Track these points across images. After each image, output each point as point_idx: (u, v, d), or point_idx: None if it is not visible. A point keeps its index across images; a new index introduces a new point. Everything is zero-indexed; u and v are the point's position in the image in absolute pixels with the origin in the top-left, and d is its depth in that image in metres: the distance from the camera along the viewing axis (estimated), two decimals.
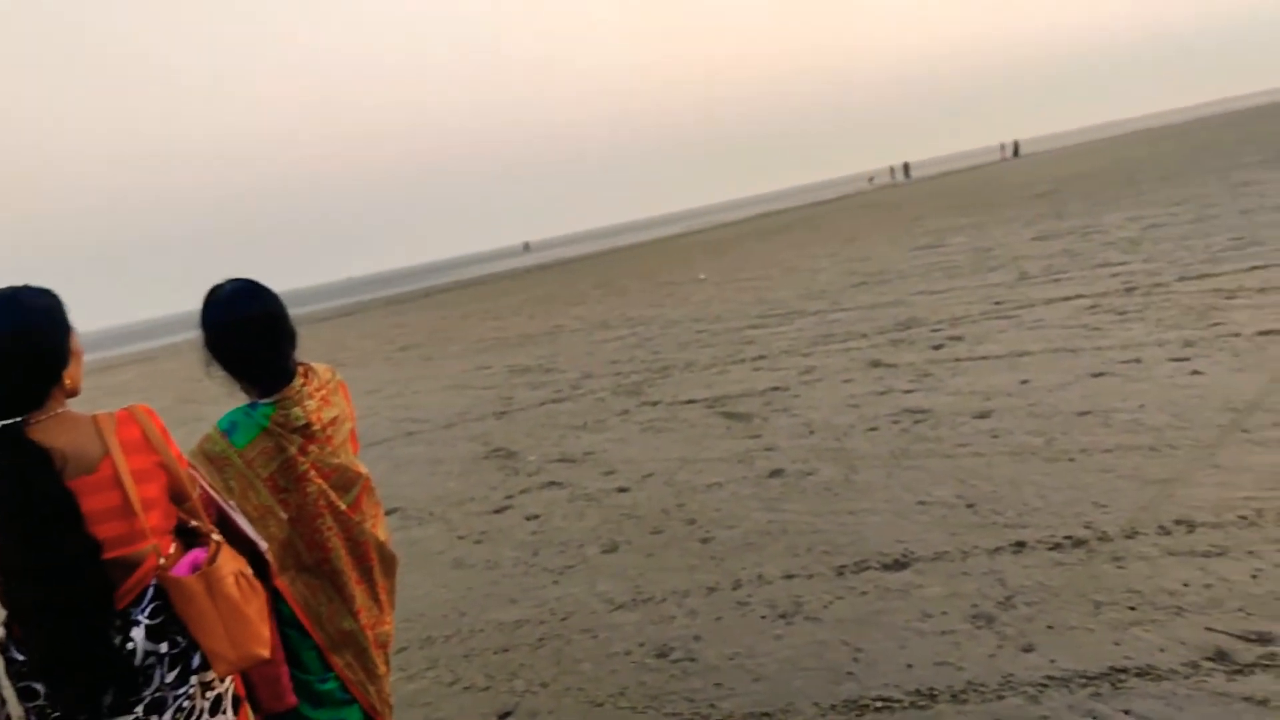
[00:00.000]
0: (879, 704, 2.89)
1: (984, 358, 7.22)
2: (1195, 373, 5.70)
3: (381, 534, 2.42)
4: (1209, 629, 2.93)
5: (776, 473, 5.37)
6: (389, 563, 2.43)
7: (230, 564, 1.94)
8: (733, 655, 3.37)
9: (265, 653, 1.95)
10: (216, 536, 2.00)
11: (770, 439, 6.10)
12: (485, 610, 4.23)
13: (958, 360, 7.31)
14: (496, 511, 5.70)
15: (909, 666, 3.07)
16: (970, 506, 4.33)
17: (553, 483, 6.07)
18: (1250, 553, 3.35)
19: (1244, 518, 3.64)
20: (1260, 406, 4.86)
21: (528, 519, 5.42)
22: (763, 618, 3.61)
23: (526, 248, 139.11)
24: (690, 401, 7.66)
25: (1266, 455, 4.22)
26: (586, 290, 23.13)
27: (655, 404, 7.84)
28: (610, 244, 63.11)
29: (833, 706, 2.93)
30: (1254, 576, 3.18)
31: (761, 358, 9.02)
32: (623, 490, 5.61)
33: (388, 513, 5.96)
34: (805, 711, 2.93)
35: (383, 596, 2.40)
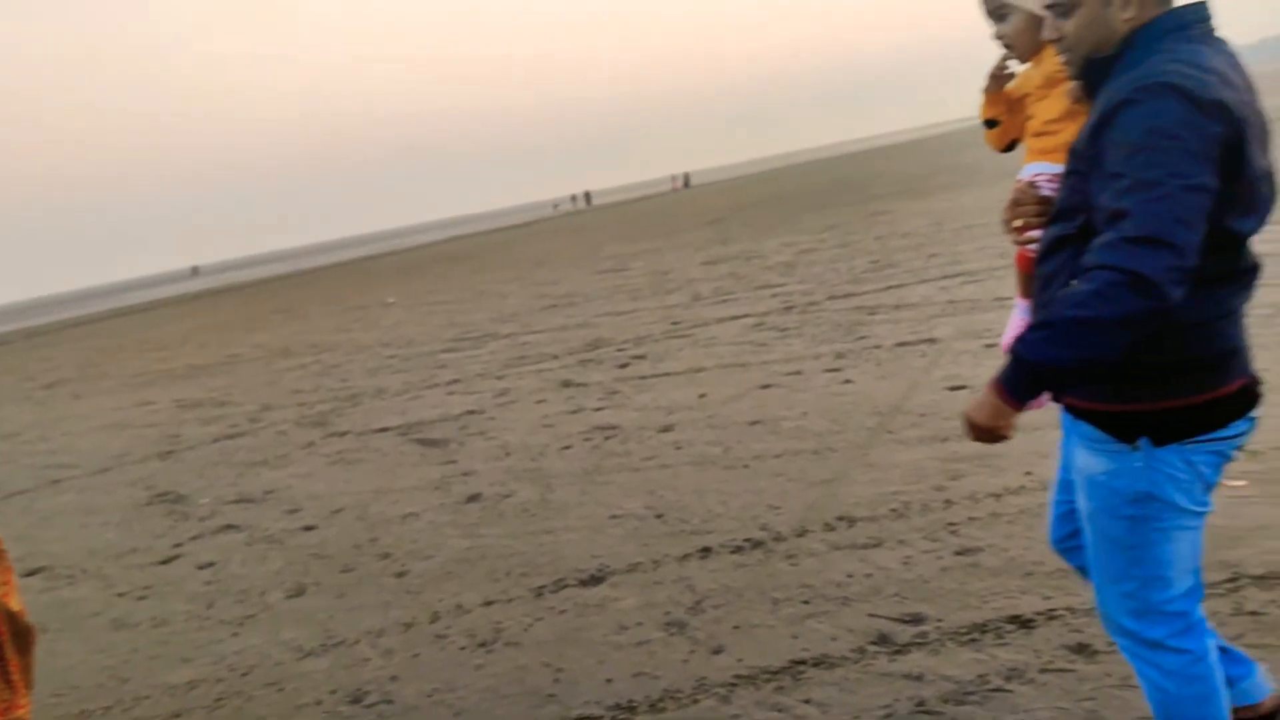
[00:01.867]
0: None
1: (666, 374, 7.58)
2: (847, 381, 6.31)
3: (14, 604, 2.09)
4: (871, 615, 3.22)
5: (474, 498, 5.30)
6: (23, 636, 2.10)
7: None
8: (432, 692, 3.26)
9: None
10: None
11: (467, 464, 6.02)
12: (152, 674, 3.81)
13: (642, 378, 7.61)
14: (163, 563, 5.17)
15: (608, 681, 3.11)
16: (659, 517, 4.50)
17: (229, 526, 5.61)
18: (901, 542, 3.74)
19: (894, 510, 4.06)
20: (901, 410, 5.45)
21: (200, 568, 4.97)
22: (462, 649, 3.53)
23: (195, 272, 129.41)
24: (382, 430, 7.40)
25: (908, 453, 4.74)
26: (265, 316, 21.78)
27: (344, 434, 7.50)
28: (291, 267, 59.97)
29: None
30: (905, 563, 3.55)
31: (455, 382, 8.91)
32: (309, 528, 5.29)
33: (30, 573, 5.24)
34: None
35: (15, 676, 2.08)
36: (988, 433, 1.74)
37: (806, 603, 3.39)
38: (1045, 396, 2.01)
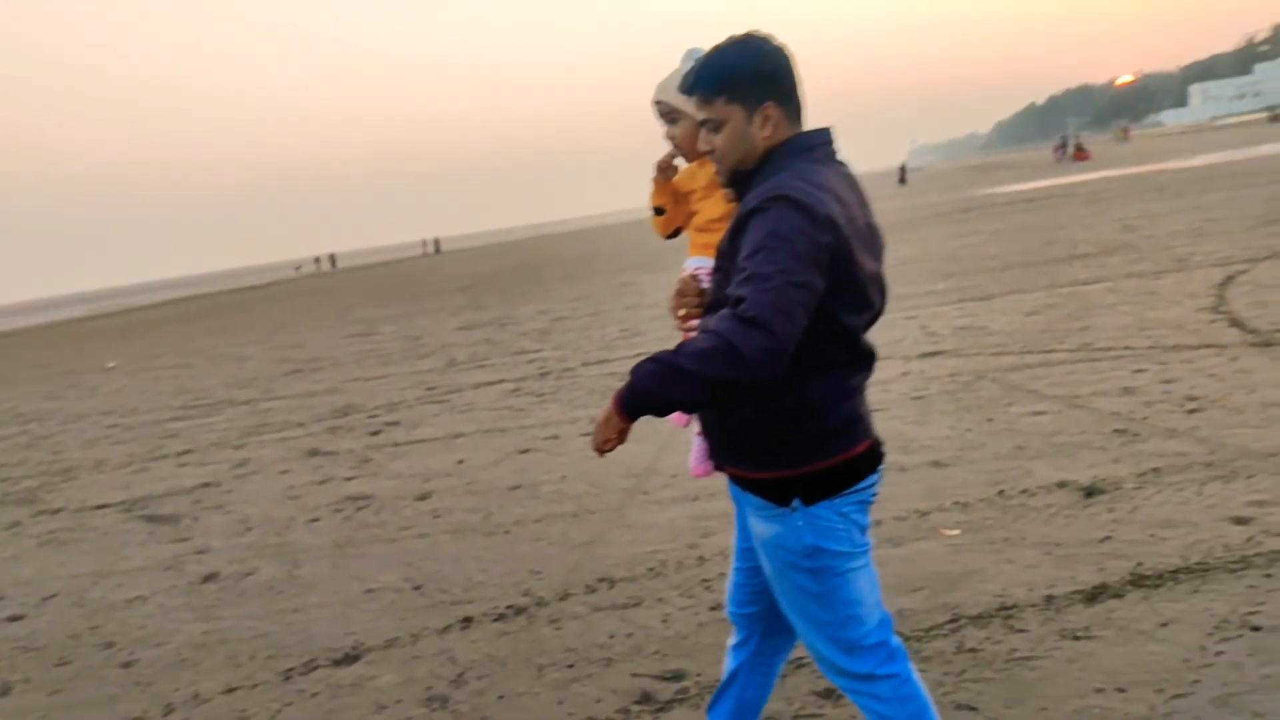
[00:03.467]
0: None
1: (421, 441, 7.43)
2: None
3: None
4: (634, 674, 3.28)
5: (211, 577, 4.93)
6: None
7: None
8: None
9: None
10: None
11: (202, 541, 5.59)
12: None
13: (396, 445, 7.42)
14: None
15: None
16: (418, 588, 4.38)
17: None
18: (660, 600, 3.85)
19: (652, 569, 4.17)
20: (654, 471, 5.63)
21: None
22: None
23: None
24: (102, 506, 6.74)
25: (663, 513, 4.90)
26: None
27: (56, 512, 6.76)
28: None
29: None
30: (664, 621, 3.66)
31: (188, 452, 8.28)
32: (15, 618, 4.71)
33: None
34: None
35: None
36: (600, 434, 2.00)
37: (571, 666, 3.41)
38: (710, 465, 2.22)
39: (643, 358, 1.92)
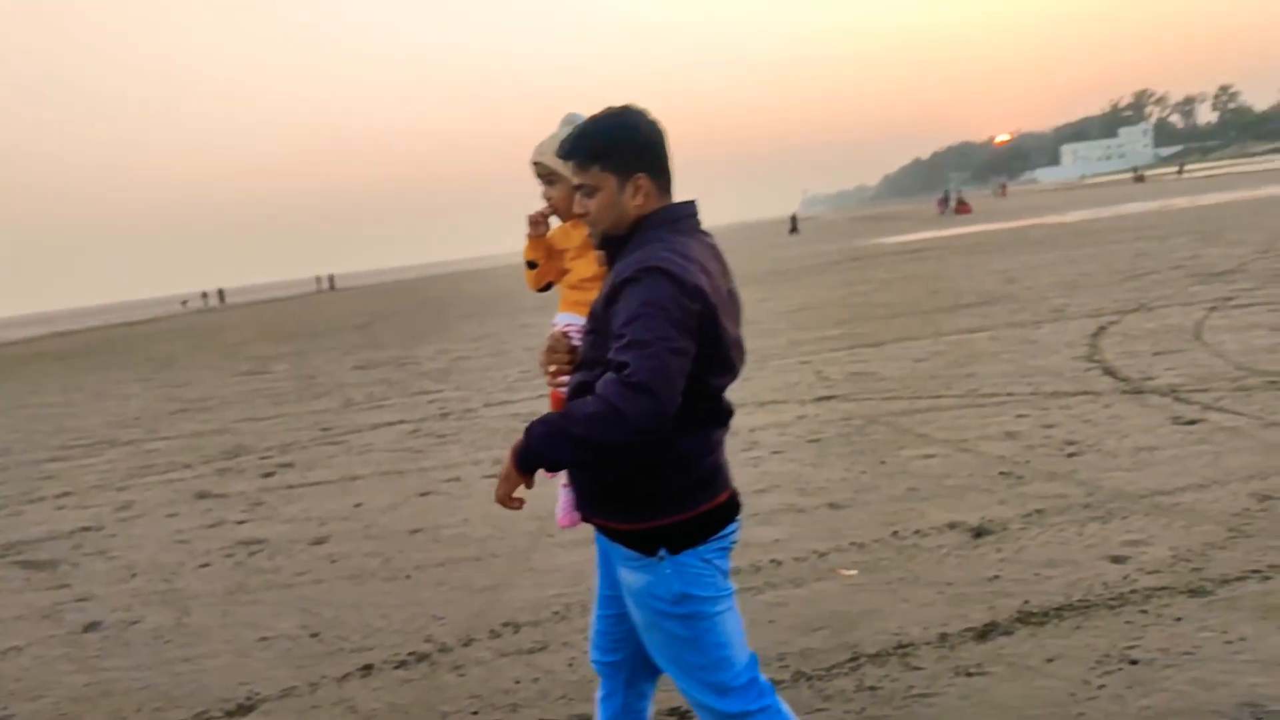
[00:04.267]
0: None
1: (317, 483, 7.25)
2: None
3: None
4: None
5: (93, 626, 4.71)
6: None
7: None
8: None
9: None
10: None
11: (83, 587, 5.33)
12: None
13: (290, 487, 7.23)
14: None
15: None
16: (315, 636, 4.27)
17: None
18: (565, 644, 3.84)
19: (557, 613, 4.16)
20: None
21: None
22: None
23: None
24: None
25: (568, 556, 4.90)
26: None
27: None
28: None
29: None
30: (570, 665, 3.65)
31: (66, 494, 7.90)
32: None
33: None
34: None
35: None
36: (501, 489, 2.06)
37: (476, 713, 3.37)
38: (578, 516, 2.31)
39: (536, 417, 2.01)
